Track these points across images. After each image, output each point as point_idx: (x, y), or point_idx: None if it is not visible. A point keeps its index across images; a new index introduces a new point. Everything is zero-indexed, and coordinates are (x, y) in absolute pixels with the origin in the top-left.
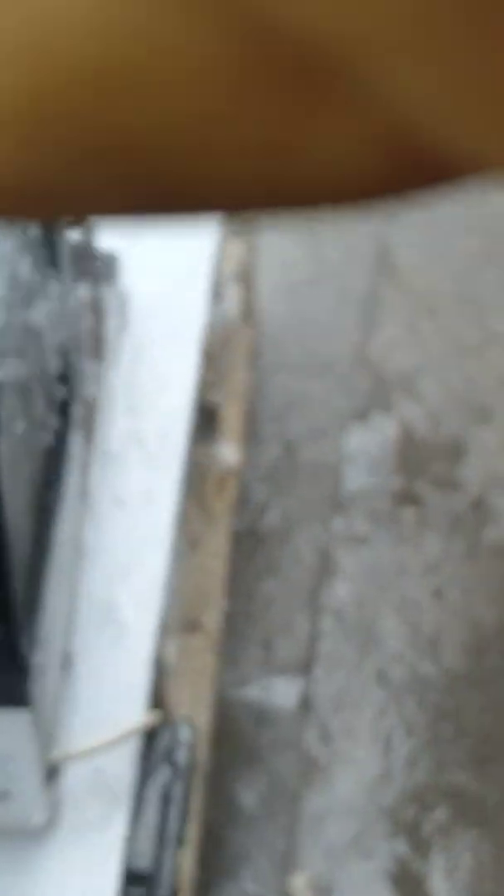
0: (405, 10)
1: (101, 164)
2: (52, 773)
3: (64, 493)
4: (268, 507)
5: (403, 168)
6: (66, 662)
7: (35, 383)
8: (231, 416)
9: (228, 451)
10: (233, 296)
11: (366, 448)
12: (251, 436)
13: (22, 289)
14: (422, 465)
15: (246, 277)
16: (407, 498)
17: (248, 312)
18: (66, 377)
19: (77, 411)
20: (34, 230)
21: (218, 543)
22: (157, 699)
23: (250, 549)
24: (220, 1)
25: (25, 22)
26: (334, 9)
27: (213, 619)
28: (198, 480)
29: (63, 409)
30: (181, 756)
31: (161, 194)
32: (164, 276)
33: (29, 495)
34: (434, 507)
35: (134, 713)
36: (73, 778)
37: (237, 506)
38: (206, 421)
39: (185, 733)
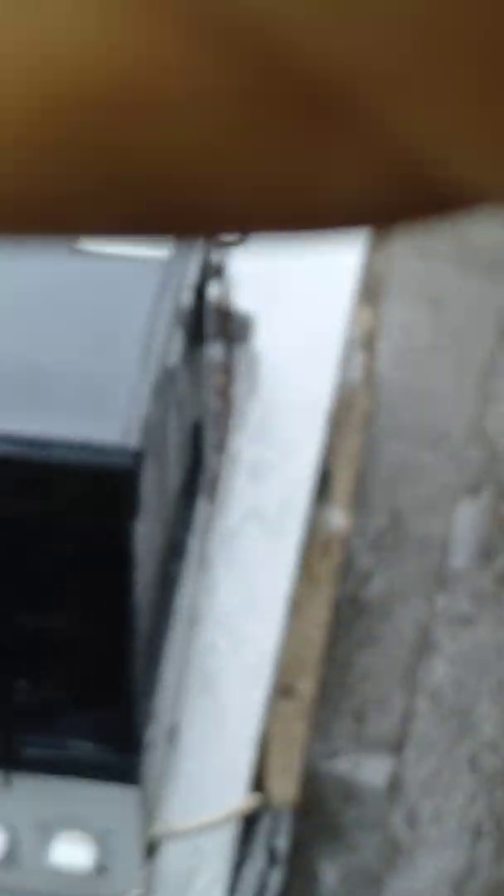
0: (418, 48)
1: (101, 190)
2: (151, 849)
3: (186, 564)
4: (371, 576)
5: (411, 199)
6: (172, 735)
7: (171, 452)
8: (342, 482)
9: (336, 517)
10: (358, 362)
11: (475, 525)
12: (360, 502)
13: (171, 366)
14: None
15: (370, 344)
16: None
17: (368, 378)
18: (196, 443)
19: (204, 478)
20: (186, 301)
21: (319, 609)
22: (257, 779)
23: (350, 617)
24: (230, 33)
25: (24, 46)
26: (347, 45)
27: (307, 686)
28: (307, 548)
29: (191, 477)
30: (281, 843)
31: (162, 217)
32: (297, 339)
33: (154, 567)
34: None
35: (235, 793)
36: (172, 855)
37: (341, 572)
38: (317, 484)
39: (285, 821)
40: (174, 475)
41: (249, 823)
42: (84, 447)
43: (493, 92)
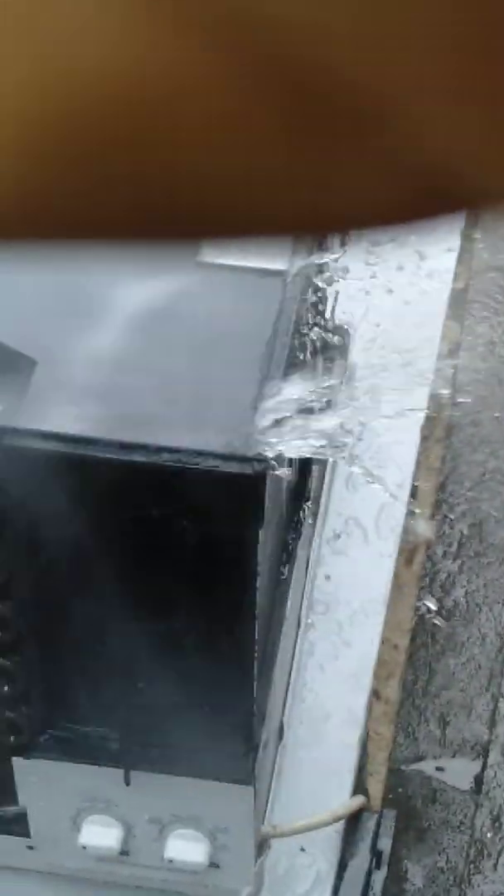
0: (438, 57)
1: (118, 195)
2: (260, 847)
3: (295, 569)
4: (454, 584)
5: (429, 201)
6: (280, 736)
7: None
8: (425, 490)
9: (420, 525)
10: (444, 374)
11: None
12: (443, 510)
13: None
14: None
15: (455, 356)
16: None
17: (453, 390)
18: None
19: (310, 489)
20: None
21: (403, 615)
22: (359, 781)
23: (434, 625)
24: (253, 45)
25: (46, 56)
26: (369, 55)
27: (393, 690)
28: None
29: (299, 483)
30: (384, 844)
31: (179, 224)
32: (390, 352)
33: (270, 572)
34: None
35: (339, 795)
36: (278, 855)
37: (424, 580)
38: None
39: (389, 822)
40: (286, 482)
41: (351, 825)
42: (214, 456)
43: None
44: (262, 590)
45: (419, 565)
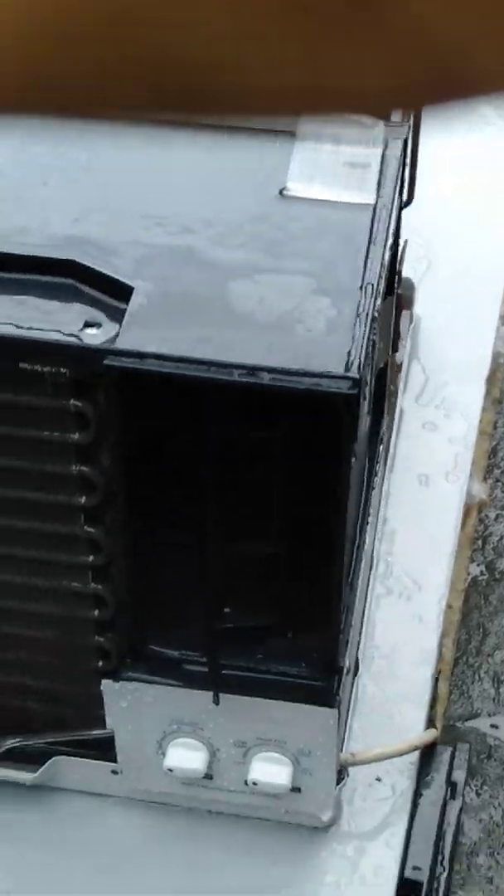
0: None
1: (119, 62)
2: (339, 775)
3: (371, 505)
4: None
5: (429, 81)
6: (357, 667)
7: (368, 392)
8: (478, 454)
9: (474, 486)
10: (503, 333)
11: None
12: (495, 475)
13: (379, 310)
14: None
15: None
16: None
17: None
18: (380, 390)
19: (384, 426)
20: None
21: (456, 576)
22: (431, 717)
23: (486, 585)
24: None
25: None
26: None
27: (448, 649)
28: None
29: (376, 421)
30: (459, 777)
31: (182, 92)
32: (453, 309)
33: (353, 501)
34: None
35: (415, 727)
36: (356, 782)
37: (476, 542)
38: None
39: (463, 755)
40: (368, 416)
41: (425, 757)
42: (313, 375)
43: None
44: (349, 516)
45: (471, 527)
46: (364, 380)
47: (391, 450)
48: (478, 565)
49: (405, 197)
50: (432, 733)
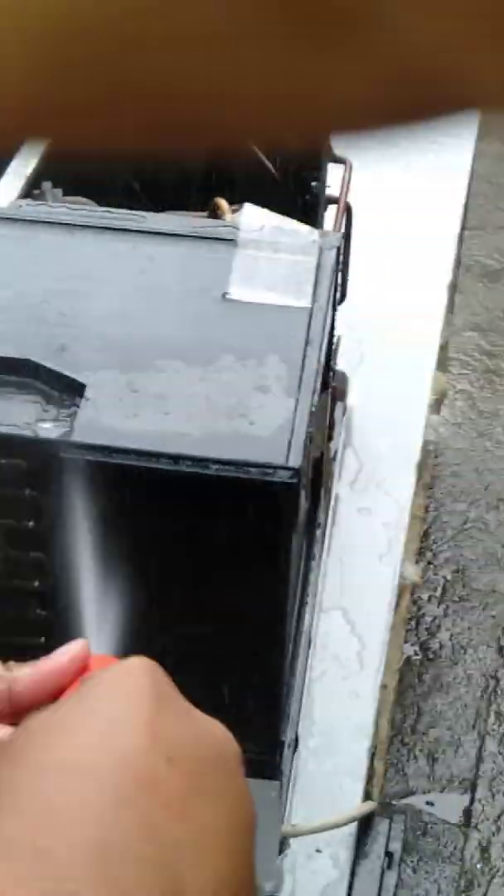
0: None
1: (114, 98)
2: (282, 845)
3: (310, 589)
4: (439, 627)
5: (412, 99)
6: (296, 742)
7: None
8: (410, 538)
9: (407, 568)
10: (431, 422)
11: None
12: (427, 557)
13: (316, 404)
14: None
15: (438, 407)
16: None
17: (437, 439)
18: (317, 478)
19: (321, 512)
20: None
21: (391, 656)
22: (368, 791)
23: (420, 665)
24: None
25: None
26: None
27: (383, 727)
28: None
29: (313, 506)
30: (396, 847)
31: (175, 125)
32: (385, 397)
33: (294, 583)
34: None
35: (352, 799)
36: (297, 853)
37: (410, 623)
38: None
39: (399, 826)
40: (307, 503)
41: (363, 829)
42: (256, 465)
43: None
44: (290, 598)
45: (405, 609)
46: (303, 470)
47: (328, 534)
48: (412, 645)
49: (338, 296)
50: (370, 805)
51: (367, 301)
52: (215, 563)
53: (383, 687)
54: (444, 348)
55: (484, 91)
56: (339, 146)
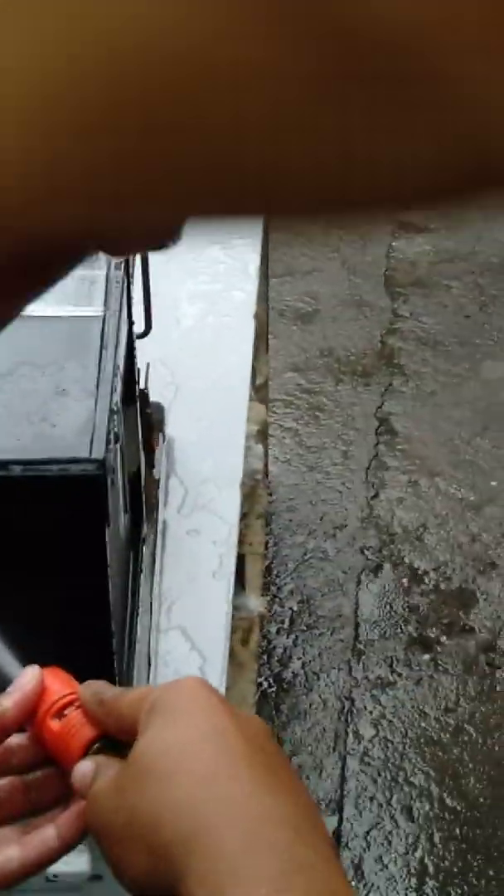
0: (484, 13)
1: (160, 160)
2: None
3: (140, 599)
4: (290, 657)
5: (479, 171)
6: None
7: (120, 486)
8: (253, 574)
9: (253, 605)
10: (255, 452)
11: (379, 599)
12: (272, 591)
13: (117, 406)
14: (434, 613)
15: (264, 437)
16: (421, 644)
17: (263, 477)
18: (136, 492)
19: (144, 533)
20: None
21: (246, 690)
22: None
23: (276, 697)
24: (300, 5)
25: (95, 15)
26: (415, 11)
27: None
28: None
29: (136, 523)
30: None
31: (220, 195)
32: (203, 425)
33: (118, 589)
34: (447, 651)
35: None
36: None
37: (262, 657)
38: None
39: None
40: (126, 514)
41: None
42: (60, 462)
43: None
44: (115, 608)
45: (255, 643)
46: (108, 463)
47: (158, 556)
48: (266, 679)
49: (143, 327)
50: None
51: (180, 335)
52: (35, 568)
53: None
54: (263, 387)
55: None
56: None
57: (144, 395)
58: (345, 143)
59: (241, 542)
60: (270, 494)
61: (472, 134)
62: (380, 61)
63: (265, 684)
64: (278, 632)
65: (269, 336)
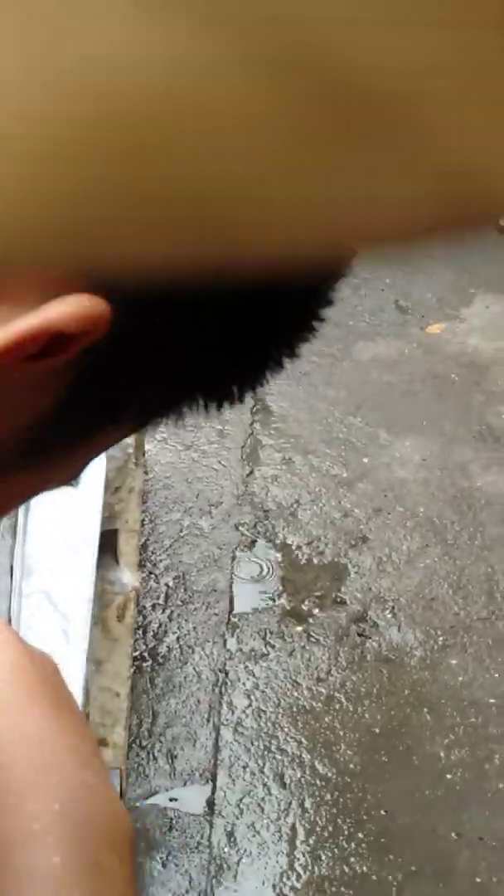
0: (460, 59)
1: (146, 206)
2: None
3: None
4: (166, 632)
5: (456, 211)
6: None
7: None
8: (128, 551)
9: (127, 580)
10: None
11: (253, 574)
12: (147, 567)
13: None
14: (307, 586)
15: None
16: (295, 616)
17: (138, 454)
18: None
19: None
20: None
21: (121, 665)
22: None
23: (152, 671)
24: (285, 51)
25: (83, 57)
26: (394, 58)
27: (119, 735)
28: (100, 607)
29: None
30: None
31: (207, 242)
32: None
33: None
34: (319, 623)
35: None
36: None
37: (138, 632)
38: (106, 550)
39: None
40: None
41: None
42: None
43: None
44: None
45: (131, 618)
46: None
47: (21, 521)
48: (142, 654)
49: None
50: None
51: None
52: None
53: (115, 695)
54: None
55: None
56: None
57: None
58: (327, 187)
59: (115, 517)
60: (146, 472)
61: (447, 174)
62: (356, 106)
63: (140, 659)
64: (154, 608)
65: None
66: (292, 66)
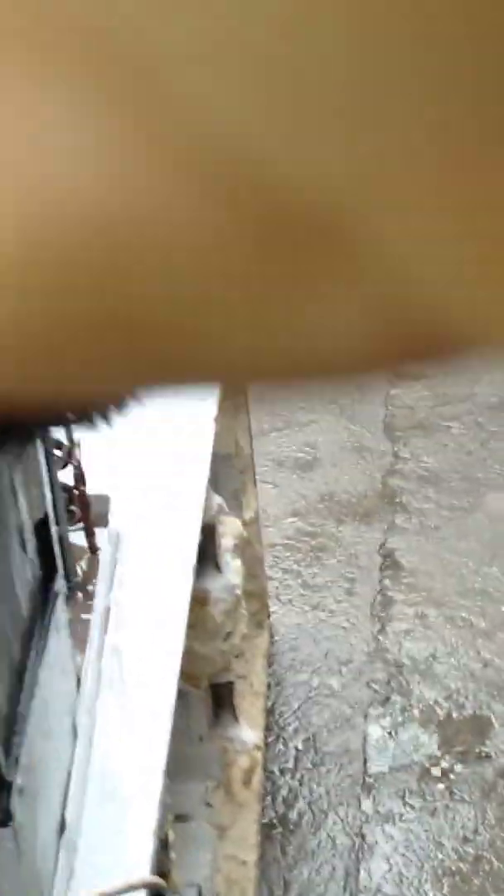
0: (395, 171)
1: (97, 338)
2: None
3: (44, 661)
4: (296, 796)
5: (404, 339)
6: (62, 827)
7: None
8: (254, 713)
9: (247, 737)
10: (234, 567)
11: (389, 731)
12: (275, 731)
13: None
14: (448, 741)
15: (243, 552)
16: (435, 774)
17: (262, 617)
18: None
19: (61, 580)
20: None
21: (247, 830)
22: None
23: (283, 837)
24: (224, 177)
25: (23, 189)
26: (324, 169)
27: None
28: (224, 770)
29: (46, 573)
30: None
31: (159, 368)
32: (153, 519)
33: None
34: (463, 779)
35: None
36: None
37: (266, 798)
38: (225, 705)
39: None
40: (20, 570)
41: None
42: None
43: (479, 225)
44: None
45: (258, 783)
46: None
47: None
48: (271, 820)
49: None
50: (155, 878)
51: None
52: None
53: (242, 863)
54: (253, 522)
55: (480, 328)
56: None
57: (83, 496)
58: (270, 317)
59: (228, 668)
60: (272, 636)
61: (391, 303)
62: (295, 224)
63: (269, 826)
64: (282, 772)
65: (268, 485)
66: (223, 180)
